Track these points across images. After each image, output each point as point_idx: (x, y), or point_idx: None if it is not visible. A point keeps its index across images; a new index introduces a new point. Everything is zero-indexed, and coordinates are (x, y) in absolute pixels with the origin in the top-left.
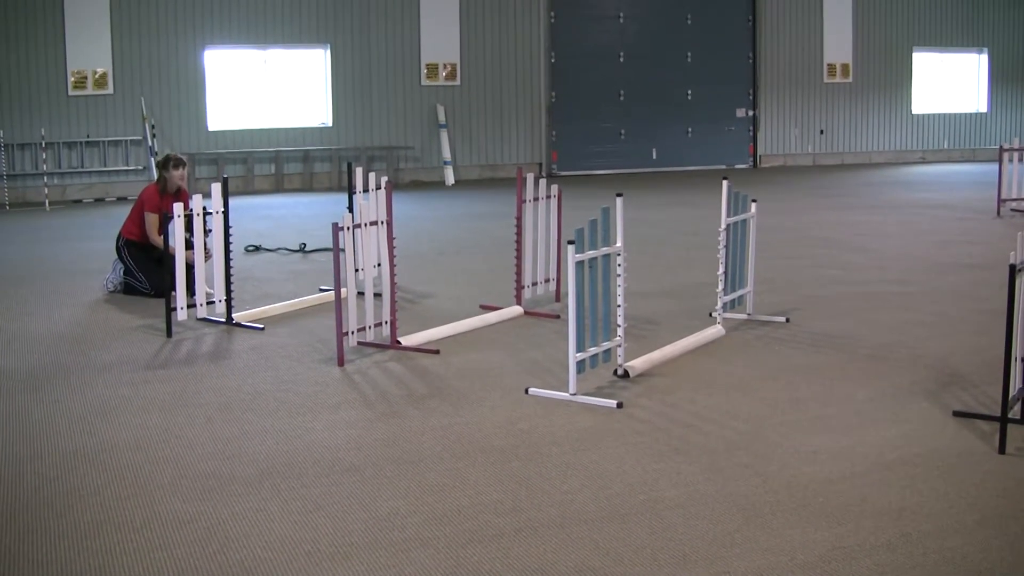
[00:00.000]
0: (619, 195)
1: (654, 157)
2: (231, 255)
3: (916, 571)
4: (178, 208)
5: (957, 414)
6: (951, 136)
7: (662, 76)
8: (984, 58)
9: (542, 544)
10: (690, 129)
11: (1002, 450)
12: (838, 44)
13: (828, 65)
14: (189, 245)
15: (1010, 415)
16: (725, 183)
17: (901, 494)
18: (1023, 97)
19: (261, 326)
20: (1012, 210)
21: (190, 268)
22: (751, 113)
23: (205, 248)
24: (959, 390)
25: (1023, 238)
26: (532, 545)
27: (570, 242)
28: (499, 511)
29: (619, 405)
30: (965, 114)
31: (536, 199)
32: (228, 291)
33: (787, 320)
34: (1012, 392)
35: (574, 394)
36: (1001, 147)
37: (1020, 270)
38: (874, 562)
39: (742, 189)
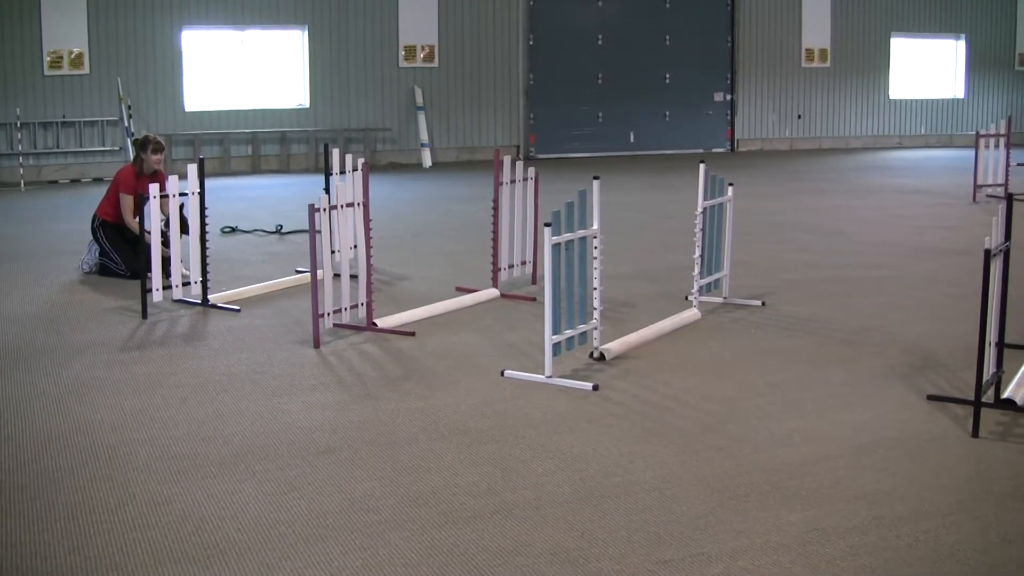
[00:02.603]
0: (596, 178)
1: (632, 141)
2: (207, 236)
3: (889, 553)
4: (154, 189)
5: (931, 398)
6: (928, 121)
7: (640, 60)
8: (961, 44)
9: (517, 526)
10: (668, 113)
11: (975, 434)
12: (816, 29)
13: (806, 50)
14: (166, 241)
15: (984, 399)
16: (702, 166)
17: (875, 477)
18: (999, 83)
19: (237, 308)
20: (988, 196)
21: (166, 260)
22: (729, 97)
23: (182, 220)
24: (933, 374)
25: (998, 223)
26: (507, 527)
27: (547, 224)
28: (474, 493)
29: (595, 388)
30: (942, 100)
31: (513, 181)
32: (204, 273)
33: (763, 304)
34: (986, 376)
35: (550, 377)
36: (977, 133)
37: (995, 255)
38: (848, 544)
39: (719, 173)
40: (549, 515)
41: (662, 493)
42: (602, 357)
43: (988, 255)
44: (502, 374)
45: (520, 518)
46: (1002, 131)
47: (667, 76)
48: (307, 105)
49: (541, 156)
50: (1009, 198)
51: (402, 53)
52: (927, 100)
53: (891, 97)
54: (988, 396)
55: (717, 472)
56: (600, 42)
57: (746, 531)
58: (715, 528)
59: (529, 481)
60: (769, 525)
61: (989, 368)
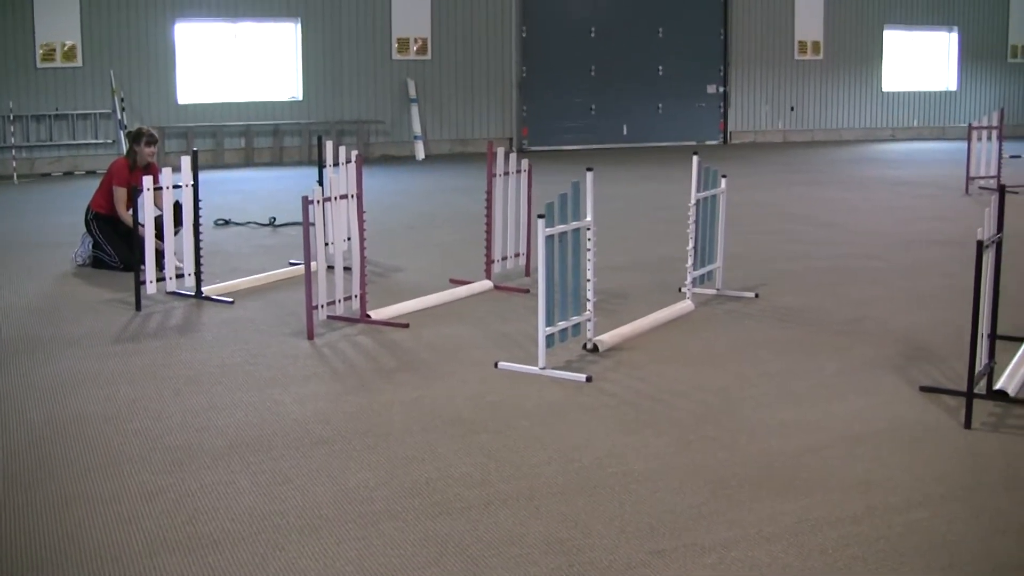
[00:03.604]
0: (589, 169)
1: (625, 133)
2: (200, 229)
3: (882, 543)
4: (148, 181)
5: (924, 389)
6: (920, 114)
7: (633, 52)
8: (954, 36)
9: (511, 516)
10: (661, 105)
11: (968, 425)
12: (809, 21)
13: (799, 42)
14: (159, 234)
15: (976, 390)
16: (695, 158)
17: (868, 467)
18: (992, 75)
19: (231, 299)
20: (980, 188)
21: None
22: (722, 89)
23: (177, 209)
24: (926, 365)
25: (990, 215)
26: (501, 517)
27: (540, 216)
28: (468, 483)
29: (588, 379)
30: (935, 92)
31: (506, 173)
32: (198, 265)
33: (756, 295)
34: (978, 367)
35: (543, 368)
36: (970, 125)
37: (987, 246)
38: (840, 534)
39: (712, 165)
40: (543, 505)
41: (655, 483)
42: (595, 348)
43: (981, 246)
44: (496, 366)
45: (514, 509)
46: (994, 123)
47: (660, 68)
48: (300, 97)
49: (534, 148)
50: (1001, 189)
51: (395, 45)
52: (920, 92)
53: (884, 89)
54: (981, 387)
55: (710, 462)
56: (593, 34)
57: (739, 521)
58: (708, 518)
59: (523, 472)
60: (762, 515)
61: (981, 359)
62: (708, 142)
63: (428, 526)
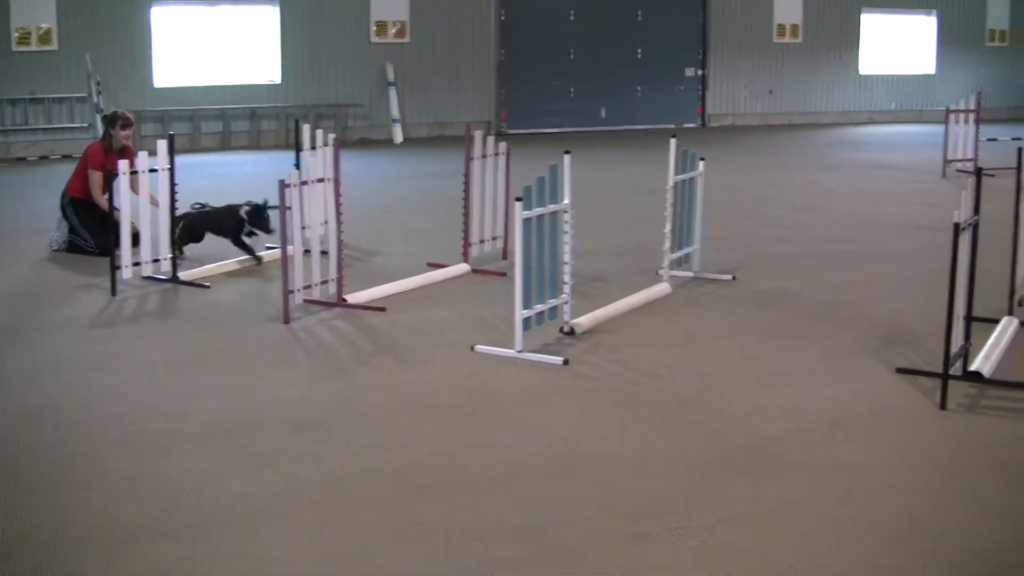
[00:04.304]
0: (567, 152)
1: (604, 116)
2: (177, 213)
3: (863, 525)
4: (123, 165)
5: (901, 371)
6: (899, 97)
7: (612, 35)
8: (933, 20)
9: (489, 500)
10: (640, 88)
11: (943, 406)
12: (788, 4)
13: (778, 25)
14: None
15: (952, 372)
16: (673, 141)
17: (849, 450)
18: (970, 59)
19: (207, 284)
20: (957, 171)
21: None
22: (700, 72)
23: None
24: (904, 347)
25: (967, 198)
26: (479, 501)
27: (518, 199)
28: (446, 467)
29: (565, 362)
30: (913, 75)
31: (485, 157)
32: (180, 250)
33: (733, 278)
34: (954, 349)
35: (520, 351)
36: (948, 109)
37: (963, 229)
38: (823, 517)
39: (690, 148)
40: (522, 489)
41: (636, 467)
42: (572, 332)
43: (957, 229)
44: (472, 349)
45: (493, 492)
46: (971, 106)
47: (639, 51)
48: (278, 81)
49: (513, 132)
50: (978, 172)
51: (373, 28)
52: (898, 76)
53: (862, 73)
54: (957, 369)
55: (691, 446)
56: (572, 18)
57: (722, 505)
58: (691, 502)
59: (501, 455)
60: (745, 498)
61: (957, 341)
62: (686, 125)
63: (406, 510)
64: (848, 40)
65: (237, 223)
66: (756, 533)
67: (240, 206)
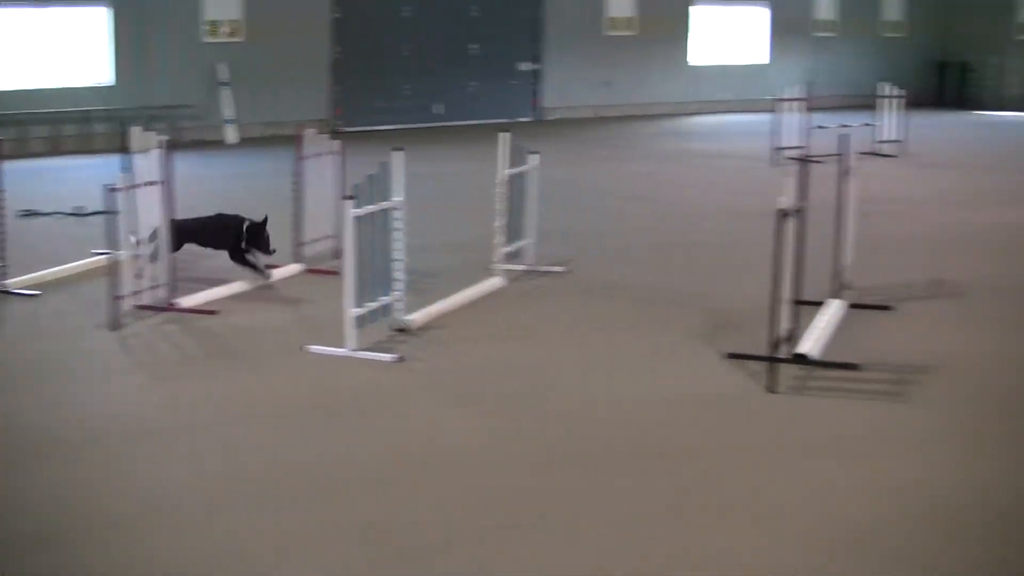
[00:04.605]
0: (398, 149)
1: (439, 112)
2: (3, 220)
3: (697, 509)
4: None
5: (731, 356)
6: (732, 87)
7: (447, 31)
8: (766, 11)
9: (329, 503)
10: (475, 83)
11: (772, 389)
12: None
13: (611, 18)
14: None
15: (780, 355)
16: (503, 135)
17: (681, 436)
18: (800, 49)
19: (37, 292)
20: (787, 159)
21: None
22: (535, 67)
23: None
24: (734, 333)
25: (792, 184)
26: (319, 505)
27: (349, 197)
28: (285, 473)
29: (399, 359)
30: (747, 66)
31: (318, 155)
32: (1, 257)
33: (567, 270)
34: (781, 333)
35: (353, 350)
36: (778, 98)
37: (789, 215)
38: (664, 503)
39: (526, 142)
40: (363, 490)
41: (476, 462)
42: (406, 328)
43: (782, 215)
44: (303, 349)
45: (332, 495)
46: (800, 95)
47: (473, 47)
48: (108, 83)
49: (349, 129)
50: (805, 160)
51: (206, 28)
52: (732, 66)
53: (695, 63)
54: (785, 352)
55: (528, 439)
56: (406, 14)
57: (563, 494)
58: (532, 494)
59: (340, 457)
60: (586, 489)
61: (784, 325)
62: (522, 119)
63: (243, 519)
64: (681, 32)
65: (236, 236)
66: (595, 525)
67: (233, 217)
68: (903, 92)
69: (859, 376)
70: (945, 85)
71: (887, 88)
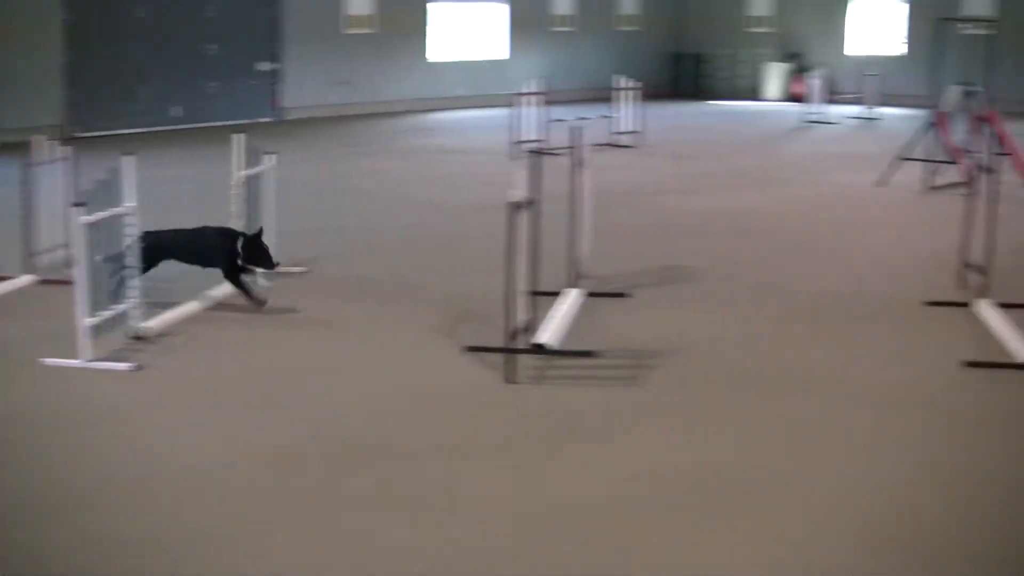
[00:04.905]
0: (128, 154)
1: (177, 114)
2: None
3: (446, 506)
4: None
5: (470, 349)
6: (473, 83)
7: (183, 32)
8: (506, 7)
9: (76, 521)
10: (213, 84)
11: (511, 380)
12: None
13: (350, 16)
14: None
15: (516, 346)
16: (238, 136)
17: (421, 431)
18: (538, 44)
19: None
20: (524, 152)
21: None
22: (274, 66)
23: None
24: (474, 326)
25: (524, 176)
26: (65, 523)
27: (78, 204)
28: (30, 491)
29: (137, 367)
30: (486, 61)
31: (50, 162)
32: None
33: (308, 270)
34: (517, 324)
35: (89, 360)
36: (516, 92)
37: (520, 207)
38: (407, 496)
39: (266, 142)
40: (111, 504)
41: (211, 470)
42: (144, 336)
43: (514, 207)
44: (38, 362)
45: (76, 513)
46: (539, 90)
47: (211, 47)
48: None
49: (85, 135)
50: (539, 153)
51: None
52: (472, 62)
53: (434, 60)
54: (524, 343)
55: (271, 442)
56: (141, 15)
57: (318, 492)
58: (289, 493)
59: (85, 471)
60: (341, 485)
61: (520, 316)
62: (262, 120)
63: None
64: (419, 29)
65: (230, 253)
66: (355, 518)
67: (223, 230)
68: (639, 84)
69: (596, 363)
70: (680, 76)
71: (623, 81)
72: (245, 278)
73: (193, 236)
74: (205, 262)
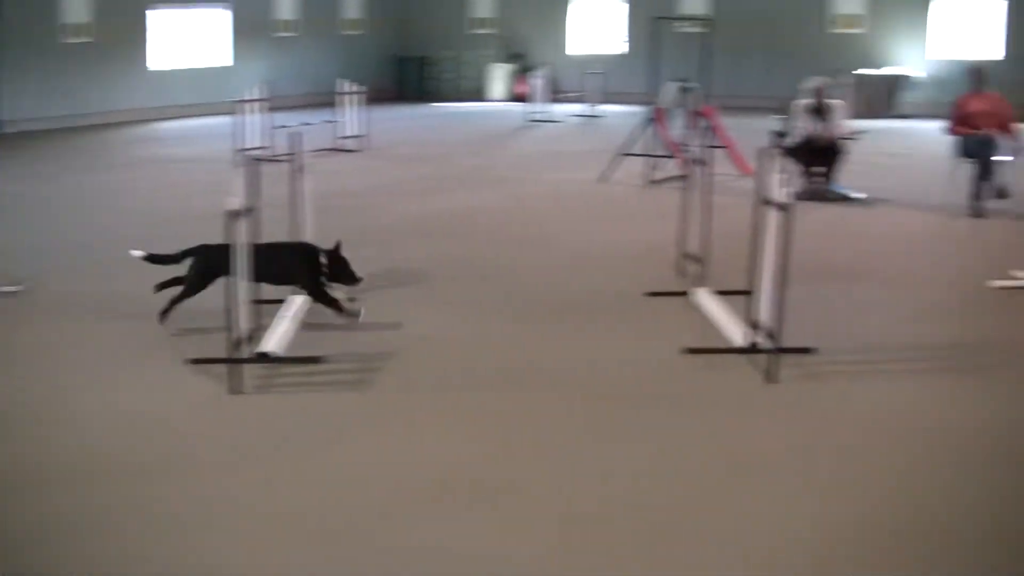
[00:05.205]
0: None
1: None
2: None
3: (178, 520)
4: None
5: (194, 361)
6: (195, 90)
7: None
8: (228, 12)
9: None
10: None
11: (236, 390)
12: (75, 4)
13: (67, 25)
14: None
15: (240, 355)
16: None
17: (147, 447)
18: (262, 49)
19: None
20: (250, 160)
21: None
22: None
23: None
24: (199, 337)
25: (241, 184)
26: None
27: None
28: None
29: None
30: (209, 68)
31: None
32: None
33: (25, 288)
34: (241, 334)
35: None
36: (239, 100)
37: (239, 214)
38: (140, 518)
39: None
40: None
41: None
42: None
43: (232, 215)
44: None
45: None
46: (262, 96)
47: None
48: None
49: None
50: (259, 160)
51: None
52: (194, 69)
53: (155, 68)
54: (248, 352)
55: (47, 460)
56: None
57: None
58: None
59: None
60: (143, 498)
61: (244, 326)
62: None
63: None
64: (138, 37)
65: (312, 268)
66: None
67: (302, 245)
68: (364, 88)
69: (324, 369)
70: (405, 79)
71: (347, 85)
72: (331, 293)
73: (267, 252)
74: (283, 280)
